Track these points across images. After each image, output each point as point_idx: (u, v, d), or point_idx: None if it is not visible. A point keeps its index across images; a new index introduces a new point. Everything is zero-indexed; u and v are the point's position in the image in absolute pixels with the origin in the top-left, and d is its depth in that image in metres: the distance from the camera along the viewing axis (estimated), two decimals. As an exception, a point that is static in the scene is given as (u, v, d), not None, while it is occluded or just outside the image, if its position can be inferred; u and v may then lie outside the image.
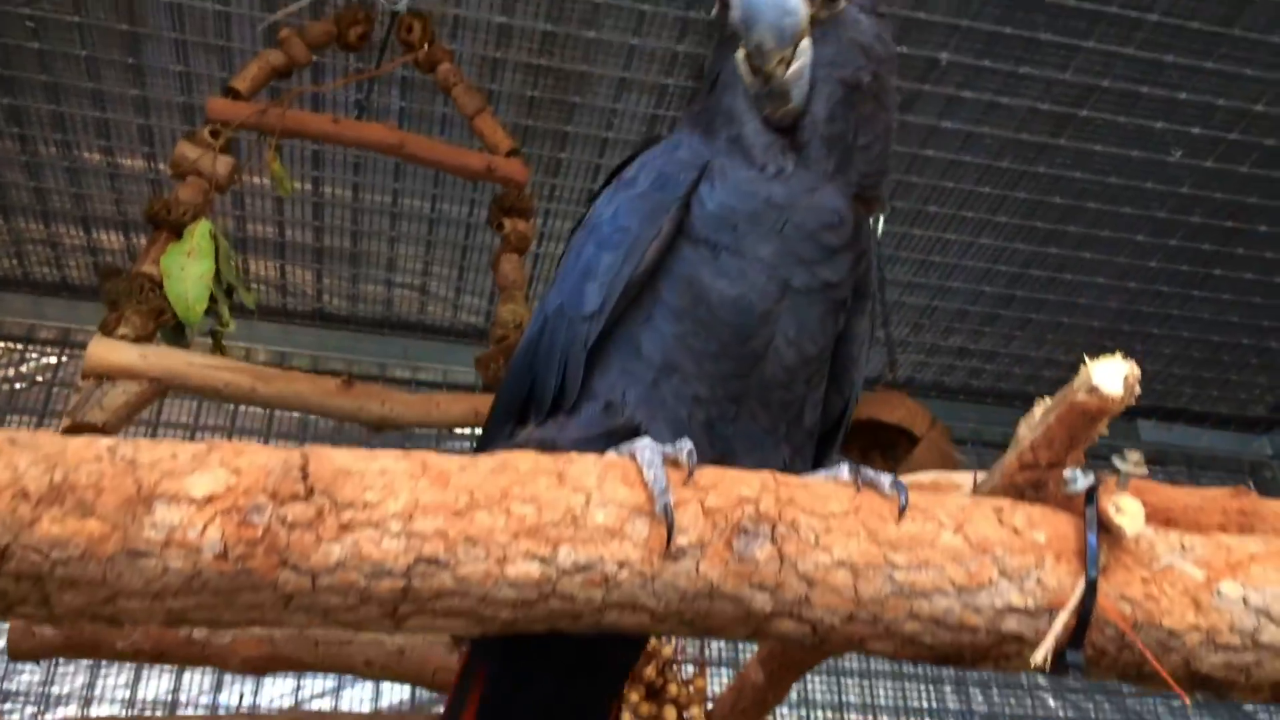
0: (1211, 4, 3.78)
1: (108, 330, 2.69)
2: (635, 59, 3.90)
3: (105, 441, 1.11)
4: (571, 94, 4.01)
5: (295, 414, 4.55)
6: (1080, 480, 1.35)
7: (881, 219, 4.18)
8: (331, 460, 1.12)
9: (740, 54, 1.42)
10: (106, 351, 2.62)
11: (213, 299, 2.84)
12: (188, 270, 2.79)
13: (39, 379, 4.72)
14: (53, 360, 4.72)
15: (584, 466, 1.20)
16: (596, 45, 3.84)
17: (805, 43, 1.40)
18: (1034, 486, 1.42)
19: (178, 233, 2.88)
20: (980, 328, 5.22)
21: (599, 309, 1.44)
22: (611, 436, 1.37)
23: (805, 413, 1.53)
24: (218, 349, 2.94)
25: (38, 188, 4.23)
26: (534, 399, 1.52)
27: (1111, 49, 3.85)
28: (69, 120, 3.99)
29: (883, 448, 3.81)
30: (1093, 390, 1.29)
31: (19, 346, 4.74)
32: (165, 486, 1.07)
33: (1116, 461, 1.38)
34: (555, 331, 1.50)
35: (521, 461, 1.20)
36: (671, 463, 1.23)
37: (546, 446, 1.32)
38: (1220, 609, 1.25)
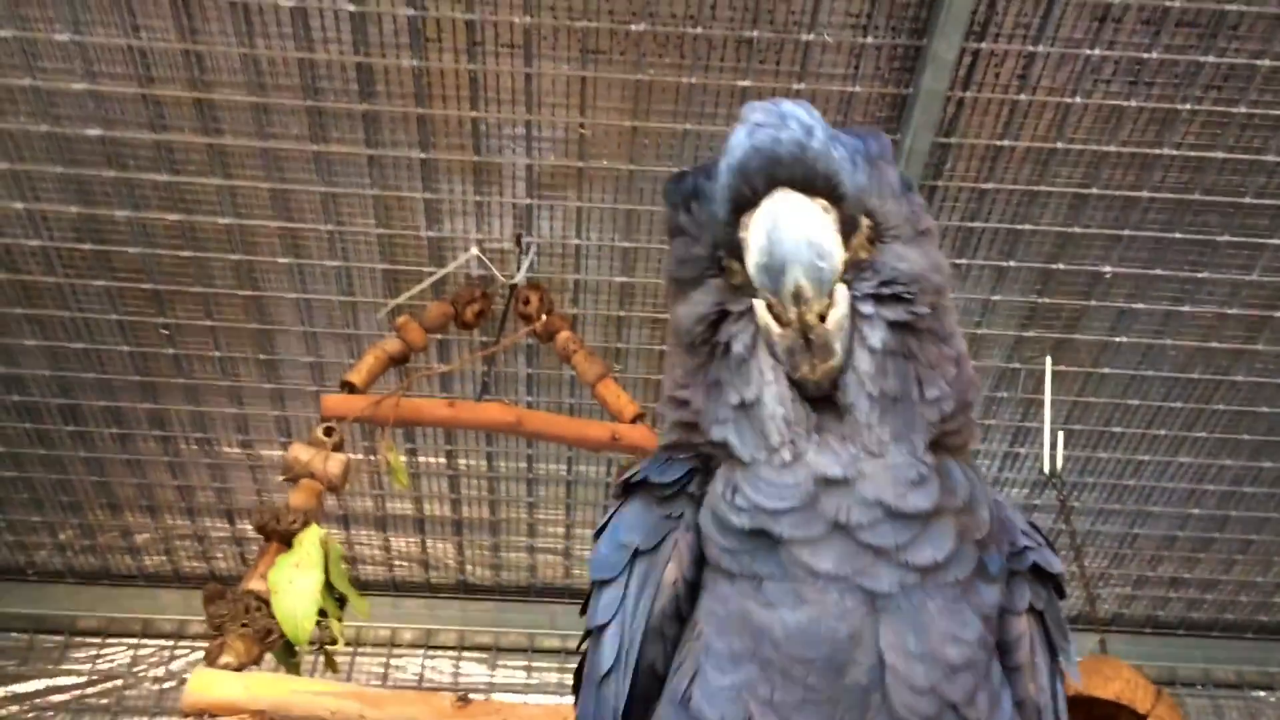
0: None
1: (211, 659, 2.51)
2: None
3: None
4: (702, 345, 3.81)
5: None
6: None
7: (1060, 443, 3.75)
8: None
9: (760, 306, 1.10)
10: (207, 685, 2.42)
11: (323, 613, 2.63)
12: (296, 584, 2.60)
13: (187, 676, 4.62)
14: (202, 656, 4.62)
15: None
16: (724, 295, 3.66)
17: (840, 289, 1.09)
18: None
19: (288, 543, 2.71)
20: (1193, 554, 4.58)
21: (616, 662, 1.11)
22: None
23: None
24: (330, 667, 2.71)
25: (181, 485, 4.25)
26: None
27: (1302, 243, 3.43)
28: (208, 419, 4.02)
29: (1098, 725, 3.22)
30: None
31: (170, 643, 4.68)
32: None
33: None
34: (584, 706, 1.18)
35: None
36: None
37: None
38: None
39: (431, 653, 4.88)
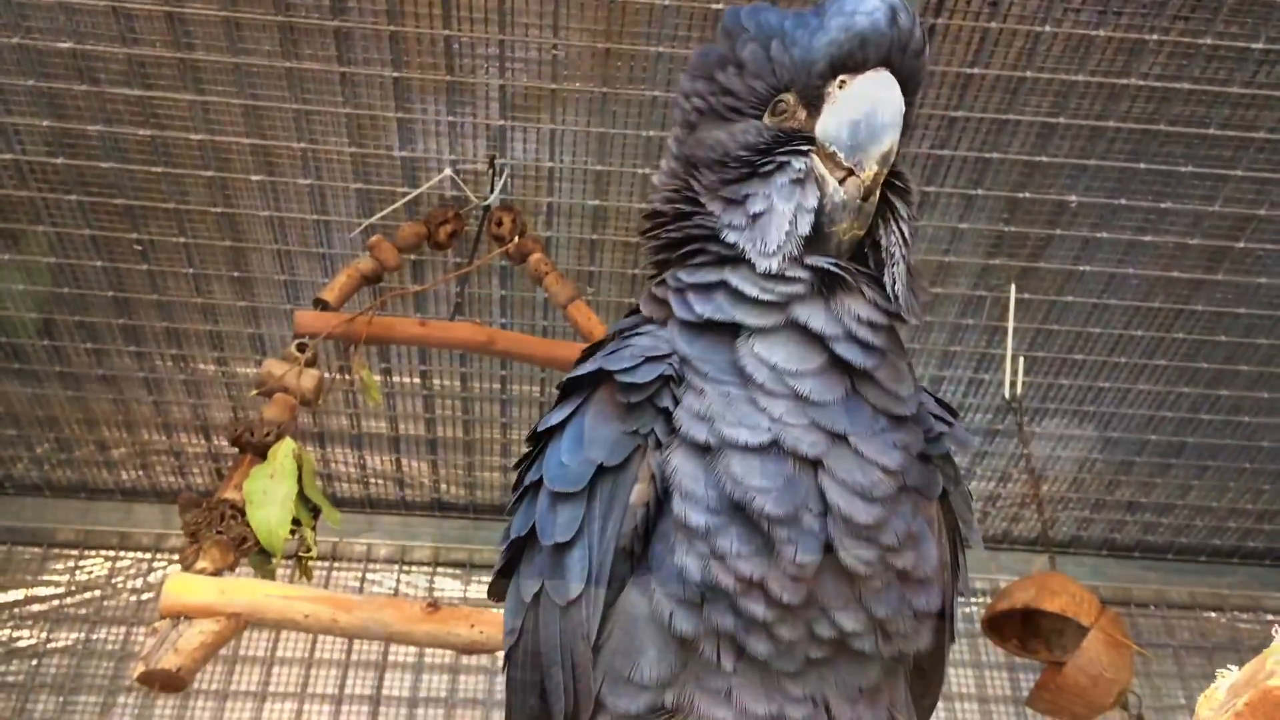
0: (1375, 116, 3.39)
1: (186, 564, 2.58)
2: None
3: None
4: (674, 269, 3.85)
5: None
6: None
7: (1021, 369, 3.84)
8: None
9: (816, 158, 1.19)
10: (183, 588, 2.49)
11: (297, 522, 2.70)
12: (270, 494, 2.67)
13: (166, 587, 4.71)
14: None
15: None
16: (696, 219, 3.69)
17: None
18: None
19: (263, 455, 2.77)
20: (1150, 479, 4.71)
21: (586, 586, 1.14)
22: None
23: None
24: (303, 574, 2.79)
25: (157, 401, 4.29)
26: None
27: (1265, 175, 3.48)
28: (183, 335, 4.05)
29: (1045, 637, 3.35)
30: (1294, 673, 0.96)
31: (148, 555, 4.76)
32: None
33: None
34: (548, 625, 1.20)
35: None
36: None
37: None
38: None
39: (407, 568, 4.98)
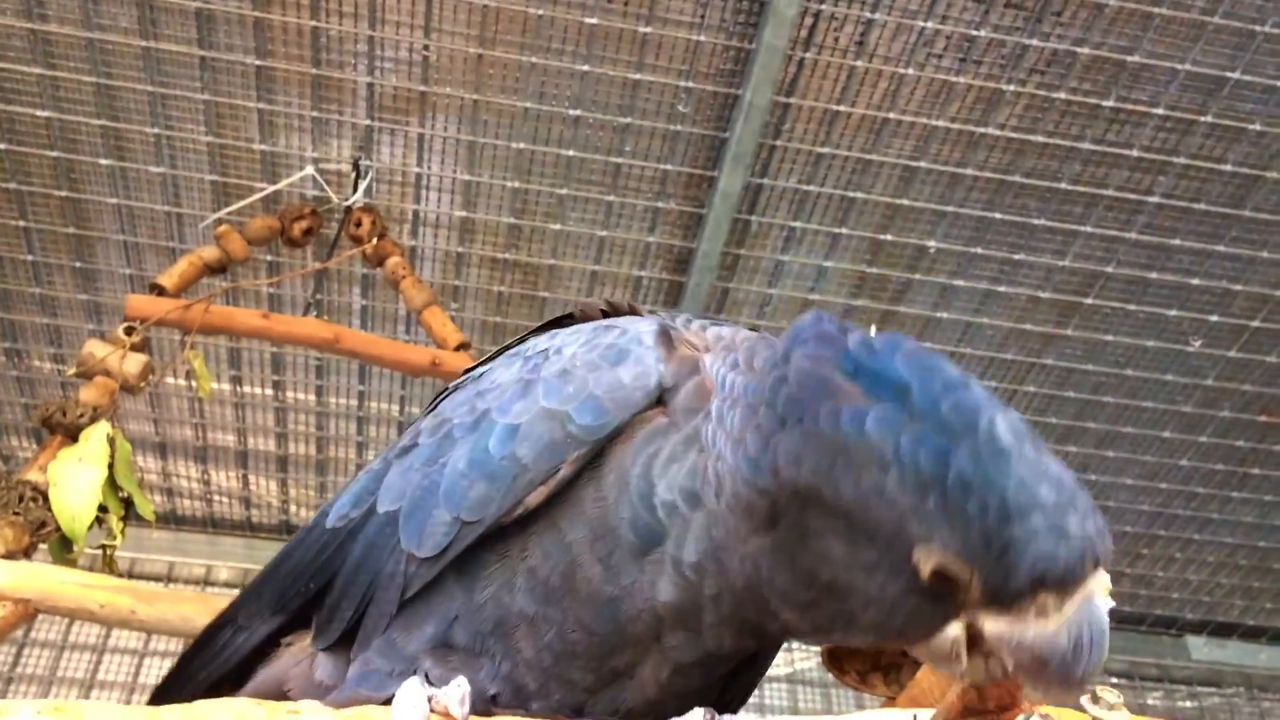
0: (1217, 185, 3.56)
1: (-26, 547, 2.38)
2: (606, 250, 3.71)
3: None
4: (541, 288, 3.80)
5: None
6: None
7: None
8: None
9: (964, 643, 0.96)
10: (-34, 571, 2.29)
11: (104, 509, 2.53)
12: (77, 477, 2.50)
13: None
14: None
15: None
16: (565, 238, 3.66)
17: None
18: None
19: (74, 437, 2.60)
20: (1002, 535, 4.77)
21: (437, 554, 1.10)
22: None
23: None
24: (108, 566, 2.61)
25: (-14, 397, 4.04)
26: (320, 609, 1.19)
27: (1112, 233, 3.61)
28: (18, 328, 3.82)
29: (884, 670, 3.33)
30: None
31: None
32: None
33: (1088, 706, 1.01)
34: (377, 549, 1.16)
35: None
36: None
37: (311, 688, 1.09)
38: None
39: (247, 593, 4.75)
